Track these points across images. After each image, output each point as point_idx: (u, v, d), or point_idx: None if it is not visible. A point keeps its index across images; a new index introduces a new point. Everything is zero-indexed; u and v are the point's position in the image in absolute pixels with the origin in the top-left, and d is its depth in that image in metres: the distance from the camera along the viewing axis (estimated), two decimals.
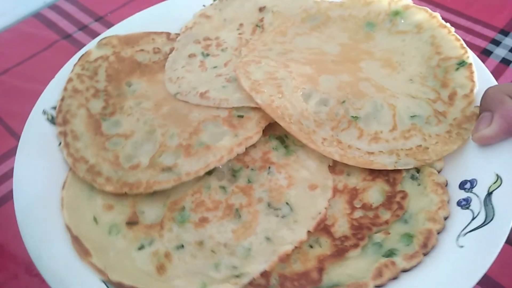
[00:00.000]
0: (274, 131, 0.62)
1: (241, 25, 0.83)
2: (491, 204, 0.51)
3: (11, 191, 0.58)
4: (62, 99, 0.69)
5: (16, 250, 0.53)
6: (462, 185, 0.56)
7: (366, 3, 0.78)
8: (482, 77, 0.65)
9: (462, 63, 0.66)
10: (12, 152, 0.77)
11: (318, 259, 0.50)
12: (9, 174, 0.74)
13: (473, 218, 0.50)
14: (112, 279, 0.49)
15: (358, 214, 0.55)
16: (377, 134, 0.61)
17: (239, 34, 0.81)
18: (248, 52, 0.73)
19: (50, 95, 0.69)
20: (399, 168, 0.57)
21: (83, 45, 0.79)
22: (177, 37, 0.81)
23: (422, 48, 0.71)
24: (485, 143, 0.57)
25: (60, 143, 0.64)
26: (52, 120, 0.67)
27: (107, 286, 0.49)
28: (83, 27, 0.92)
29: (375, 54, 0.74)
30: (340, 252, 0.50)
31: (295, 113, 0.61)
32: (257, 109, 0.62)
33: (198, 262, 0.51)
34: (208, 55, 0.77)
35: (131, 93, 0.73)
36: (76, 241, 0.52)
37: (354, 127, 0.61)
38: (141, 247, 0.53)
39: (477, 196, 0.53)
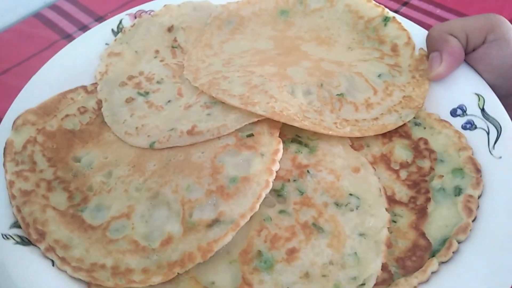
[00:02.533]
0: (283, 137, 0.59)
1: (156, 51, 0.75)
2: (491, 116, 0.59)
3: None
4: (19, 211, 0.52)
5: None
6: (453, 113, 0.63)
7: None
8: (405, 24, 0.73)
9: (387, 19, 0.74)
10: None
11: (412, 227, 0.51)
12: None
13: (488, 133, 0.58)
14: None
15: (404, 174, 0.57)
16: (367, 101, 0.64)
17: (161, 61, 0.74)
18: (195, 74, 0.67)
19: None
20: (405, 120, 0.61)
21: None
22: (96, 87, 0.69)
23: (343, 18, 0.76)
24: (441, 78, 0.65)
25: (53, 263, 0.49)
26: (24, 242, 0.50)
27: None
28: (83, 27, 0.92)
29: (304, 37, 0.76)
30: (422, 212, 0.52)
31: (297, 111, 0.59)
32: (260, 121, 0.58)
33: None
34: (147, 93, 0.68)
35: (88, 168, 0.60)
36: None
37: (347, 103, 0.63)
38: None
39: (475, 115, 0.61)
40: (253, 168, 0.53)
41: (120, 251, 0.50)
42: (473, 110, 0.61)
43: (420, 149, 0.59)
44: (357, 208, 0.52)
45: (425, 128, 0.62)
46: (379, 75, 0.67)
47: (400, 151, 0.60)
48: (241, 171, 0.53)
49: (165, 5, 0.77)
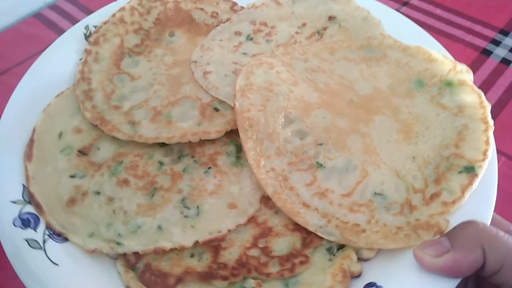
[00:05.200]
0: (239, 138, 0.62)
1: (303, 24, 0.81)
2: None
3: None
4: (106, 22, 0.76)
5: None
6: (367, 286, 0.51)
7: (429, 59, 0.70)
8: (484, 197, 0.56)
9: (469, 170, 0.58)
10: None
11: (186, 270, 0.51)
12: None
13: None
14: (30, 188, 0.56)
15: (253, 252, 0.54)
16: (327, 191, 0.57)
17: (296, 32, 0.80)
18: (280, 54, 0.72)
19: (102, 15, 0.77)
20: (320, 234, 0.54)
21: None
22: (240, 10, 0.82)
23: (448, 132, 0.63)
24: (421, 266, 0.51)
25: (81, 58, 0.72)
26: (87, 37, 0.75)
27: (23, 191, 0.57)
28: None
29: (400, 114, 0.67)
30: (207, 276, 0.51)
31: (263, 131, 0.60)
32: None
33: (99, 213, 0.56)
34: (251, 39, 0.77)
35: (166, 43, 0.77)
36: (30, 144, 0.61)
37: (311, 174, 0.59)
38: (72, 176, 0.59)
39: None
40: (181, 123, 0.61)
41: (103, 87, 0.69)
42: None
43: (292, 259, 0.53)
44: (185, 217, 0.55)
45: (330, 260, 0.54)
46: (377, 194, 0.58)
47: (282, 244, 0.55)
48: (177, 118, 0.62)
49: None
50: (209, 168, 0.59)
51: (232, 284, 0.51)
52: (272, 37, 0.78)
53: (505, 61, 0.84)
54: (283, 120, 0.62)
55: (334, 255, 0.54)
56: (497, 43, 0.86)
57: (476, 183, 0.56)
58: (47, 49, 0.72)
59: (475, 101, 0.64)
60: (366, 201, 0.57)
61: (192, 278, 0.51)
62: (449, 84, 0.66)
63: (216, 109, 0.63)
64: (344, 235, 0.54)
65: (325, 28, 0.80)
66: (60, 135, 0.64)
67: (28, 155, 0.59)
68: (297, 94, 0.64)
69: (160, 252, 0.53)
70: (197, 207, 0.55)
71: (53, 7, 0.95)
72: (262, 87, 0.63)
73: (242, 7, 0.83)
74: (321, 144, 0.61)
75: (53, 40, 0.72)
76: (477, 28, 0.88)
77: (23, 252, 0.51)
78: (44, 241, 0.52)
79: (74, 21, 0.89)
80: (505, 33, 0.86)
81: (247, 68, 0.66)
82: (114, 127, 0.63)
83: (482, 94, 0.64)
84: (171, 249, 0.53)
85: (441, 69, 0.68)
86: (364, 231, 0.54)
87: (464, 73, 0.67)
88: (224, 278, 0.51)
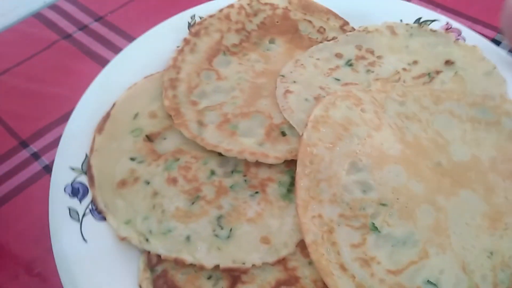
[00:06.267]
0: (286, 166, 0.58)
1: (415, 62, 0.73)
2: None
3: (12, 191, 0.64)
4: (211, 16, 0.76)
5: (16, 250, 0.52)
6: None
7: None
8: None
9: None
10: (12, 153, 0.71)
11: None
12: (9, 175, 0.70)
13: None
14: (90, 160, 0.59)
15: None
16: (372, 260, 0.51)
17: (403, 69, 0.72)
18: (375, 89, 0.66)
19: (210, 8, 0.77)
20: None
21: (83, 45, 0.84)
22: (350, 31, 0.77)
23: None
24: None
25: (178, 46, 0.73)
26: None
27: (84, 160, 0.60)
28: (83, 27, 0.90)
29: (494, 196, 0.57)
30: None
31: (323, 172, 0.55)
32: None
33: (141, 204, 0.56)
34: (350, 65, 0.72)
35: (264, 50, 0.75)
36: (105, 117, 0.63)
37: (361, 235, 0.52)
38: (132, 159, 0.61)
39: None
40: (244, 139, 0.59)
41: (189, 80, 0.69)
42: None
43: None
44: (215, 236, 0.53)
45: None
46: (430, 282, 0.50)
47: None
48: (242, 131, 0.61)
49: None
50: (257, 192, 0.56)
51: None
52: (374, 68, 0.71)
53: None
54: (349, 165, 0.56)
55: None
56: (497, 43, 0.80)
57: None
58: (150, 30, 0.74)
59: None
60: (411, 285, 0.49)
61: None
62: None
63: (283, 133, 0.59)
64: None
65: (438, 72, 0.71)
66: (136, 115, 0.66)
67: (100, 128, 0.62)
68: (375, 141, 0.58)
69: (180, 264, 0.51)
70: (230, 229, 0.53)
71: (53, 7, 0.95)
72: (338, 124, 0.58)
73: (354, 28, 0.77)
74: (384, 205, 0.54)
75: (53, 40, 0.77)
76: (477, 28, 0.85)
77: (62, 219, 0.53)
78: (84, 215, 0.55)
79: (74, 21, 0.93)
80: None
81: (330, 99, 0.61)
82: (183, 122, 0.63)
83: None
84: (191, 264, 0.51)
85: None
86: None
87: None
88: None
